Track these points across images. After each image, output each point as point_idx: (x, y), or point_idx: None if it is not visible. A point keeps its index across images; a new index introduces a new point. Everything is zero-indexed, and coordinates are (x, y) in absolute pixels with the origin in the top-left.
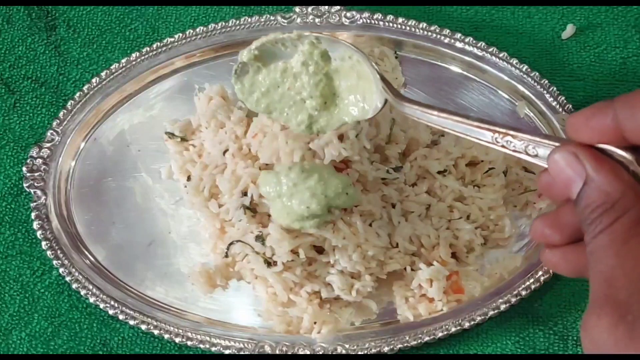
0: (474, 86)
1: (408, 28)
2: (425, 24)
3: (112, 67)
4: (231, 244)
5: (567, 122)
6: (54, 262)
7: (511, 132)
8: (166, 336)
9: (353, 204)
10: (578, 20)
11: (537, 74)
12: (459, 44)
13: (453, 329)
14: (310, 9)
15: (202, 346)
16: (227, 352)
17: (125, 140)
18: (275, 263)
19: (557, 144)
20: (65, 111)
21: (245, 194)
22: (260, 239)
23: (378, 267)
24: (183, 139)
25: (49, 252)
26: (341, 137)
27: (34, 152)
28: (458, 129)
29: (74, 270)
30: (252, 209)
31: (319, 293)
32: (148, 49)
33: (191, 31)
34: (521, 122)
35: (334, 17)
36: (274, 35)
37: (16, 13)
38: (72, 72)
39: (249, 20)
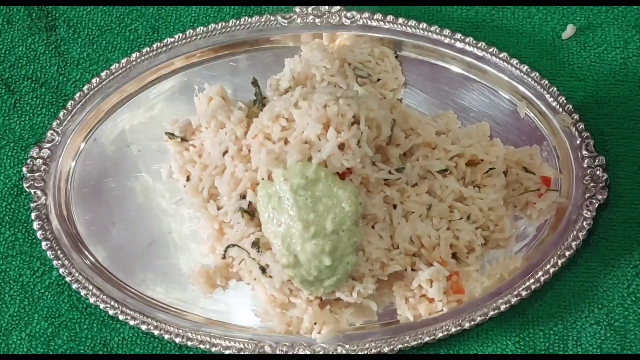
0: (474, 86)
1: (408, 28)
2: (425, 24)
3: (112, 67)
4: (229, 247)
5: None
6: (54, 262)
7: None
8: (166, 336)
9: (364, 211)
10: (578, 20)
11: (537, 74)
12: (459, 44)
13: (453, 329)
14: (310, 9)
15: (202, 346)
16: (227, 352)
17: (125, 140)
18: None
19: None
20: (65, 111)
21: (243, 196)
22: (257, 245)
23: (380, 269)
24: (183, 139)
25: (49, 253)
26: (342, 147)
27: (34, 152)
28: None
29: (74, 270)
30: (250, 212)
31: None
32: (148, 49)
33: (191, 31)
34: (522, 122)
35: (334, 17)
36: None
37: (16, 13)
38: (72, 72)
39: (249, 20)
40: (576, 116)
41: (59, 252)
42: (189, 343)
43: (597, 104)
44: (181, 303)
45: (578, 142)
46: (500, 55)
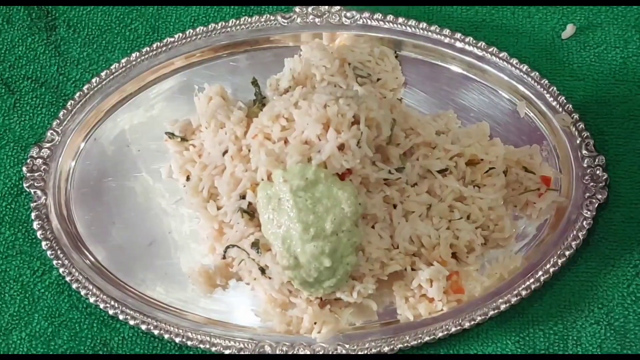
0: (474, 86)
1: (408, 28)
2: (425, 24)
3: (112, 67)
4: (228, 247)
5: None
6: (54, 262)
7: None
8: (166, 336)
9: (364, 211)
10: (578, 20)
11: (537, 73)
12: (459, 44)
13: (453, 329)
14: (310, 9)
15: (202, 346)
16: (227, 352)
17: (125, 140)
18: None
19: None
20: (65, 111)
21: (243, 197)
22: (256, 246)
23: (380, 269)
24: (183, 139)
25: (49, 252)
26: (341, 147)
27: (34, 152)
28: None
29: (74, 270)
30: (249, 213)
31: None
32: (148, 49)
33: (191, 31)
34: (521, 122)
35: (334, 17)
36: None
37: (16, 13)
38: (72, 72)
39: (249, 20)
40: (576, 116)
41: (59, 252)
42: (189, 343)
43: (597, 104)
44: (181, 303)
45: (578, 141)
46: (500, 55)
